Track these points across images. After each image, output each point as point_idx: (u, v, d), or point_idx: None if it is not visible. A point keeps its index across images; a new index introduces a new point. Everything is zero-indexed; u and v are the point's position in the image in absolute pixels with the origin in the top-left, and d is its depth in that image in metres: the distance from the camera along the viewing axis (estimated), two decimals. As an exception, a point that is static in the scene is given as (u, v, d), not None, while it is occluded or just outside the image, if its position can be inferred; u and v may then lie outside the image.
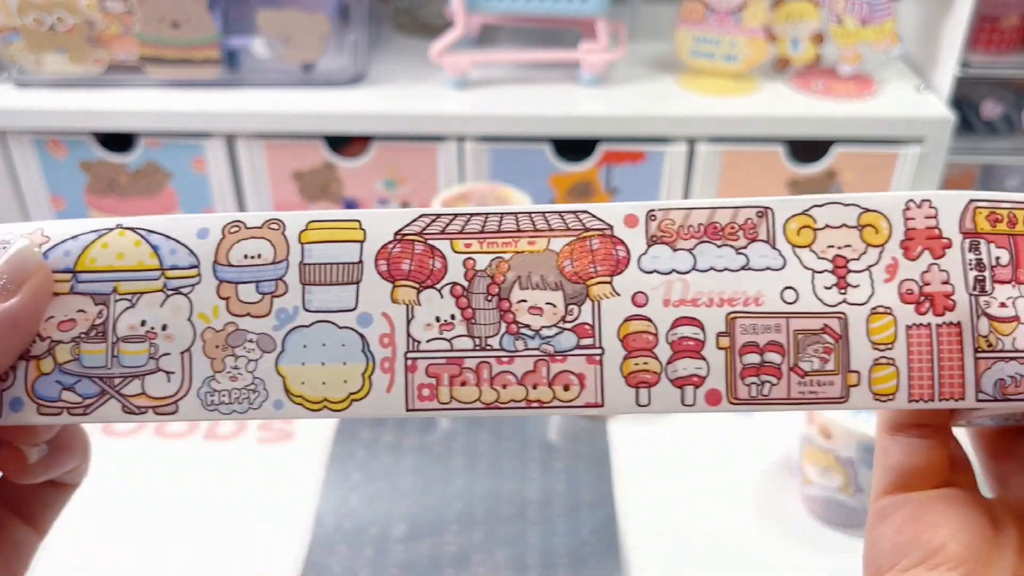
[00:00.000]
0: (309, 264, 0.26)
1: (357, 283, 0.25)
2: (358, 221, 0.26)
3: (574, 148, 0.85)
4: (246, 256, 0.26)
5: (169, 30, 0.84)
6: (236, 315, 0.26)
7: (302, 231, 0.26)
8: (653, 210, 0.26)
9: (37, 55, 0.85)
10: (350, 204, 0.88)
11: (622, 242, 0.26)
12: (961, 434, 0.30)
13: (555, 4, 0.85)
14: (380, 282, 0.25)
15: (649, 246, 0.26)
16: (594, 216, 0.26)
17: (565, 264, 0.26)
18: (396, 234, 0.26)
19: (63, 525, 0.30)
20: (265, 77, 0.87)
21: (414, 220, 0.26)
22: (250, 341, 0.25)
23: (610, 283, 0.26)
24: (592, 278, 0.26)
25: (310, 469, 0.60)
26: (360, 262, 0.26)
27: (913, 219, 0.26)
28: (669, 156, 0.84)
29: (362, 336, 0.25)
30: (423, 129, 0.84)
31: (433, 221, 0.26)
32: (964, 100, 0.88)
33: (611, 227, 0.26)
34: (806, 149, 0.85)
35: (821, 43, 0.87)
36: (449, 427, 0.63)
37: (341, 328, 0.25)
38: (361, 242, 0.26)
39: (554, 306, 0.25)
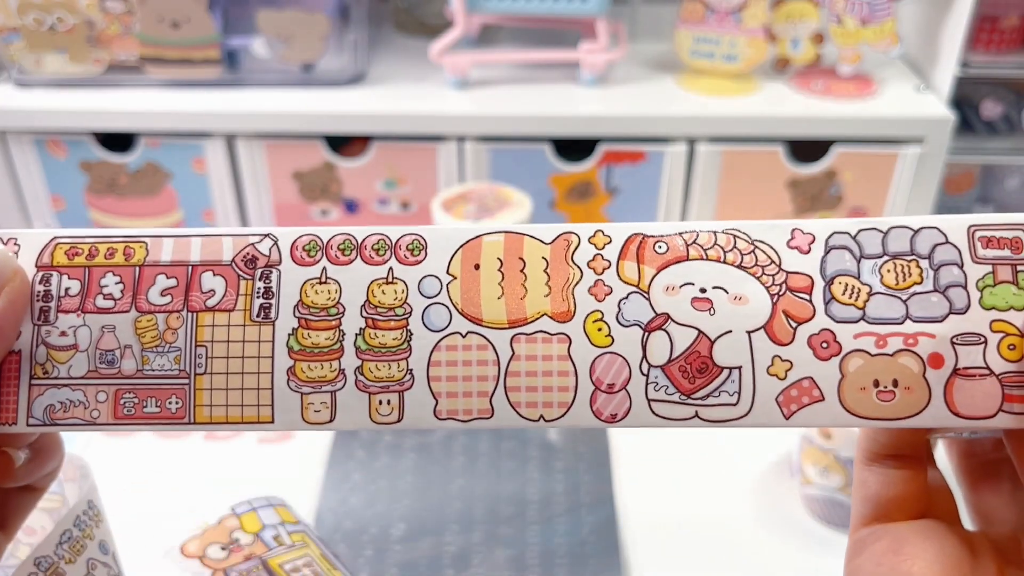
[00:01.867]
0: None
1: None
2: None
3: (574, 148, 0.85)
4: None
5: (169, 30, 0.84)
6: None
7: None
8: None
9: (37, 55, 0.85)
10: (350, 204, 0.88)
11: None
12: (944, 466, 0.30)
13: (555, 4, 0.85)
14: None
15: None
16: None
17: None
18: None
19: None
20: (265, 77, 0.87)
21: None
22: None
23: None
24: None
25: (310, 469, 0.60)
26: None
27: None
28: (669, 156, 0.84)
29: None
30: (423, 129, 0.84)
31: None
32: (964, 100, 0.88)
33: None
34: (806, 149, 0.85)
35: (821, 43, 0.87)
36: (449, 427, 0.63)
37: None
38: None
39: None
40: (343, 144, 0.86)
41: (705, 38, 0.87)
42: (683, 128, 0.83)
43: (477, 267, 0.26)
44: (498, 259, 0.26)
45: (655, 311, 0.26)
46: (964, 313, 0.25)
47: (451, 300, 0.26)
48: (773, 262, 0.26)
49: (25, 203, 0.89)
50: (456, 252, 0.26)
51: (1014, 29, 0.86)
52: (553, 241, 0.26)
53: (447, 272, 0.26)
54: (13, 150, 0.86)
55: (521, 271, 0.26)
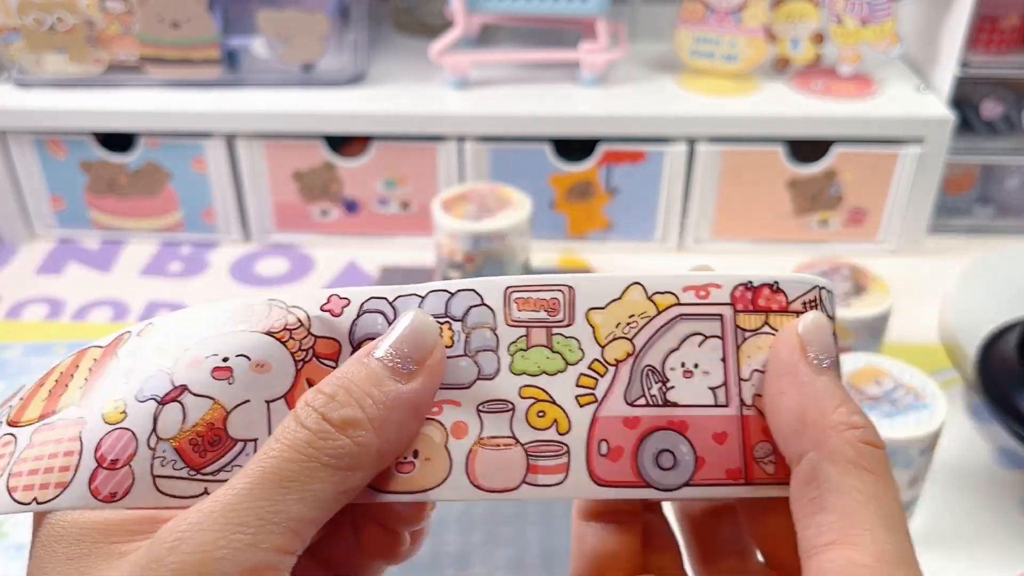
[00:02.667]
0: None
1: None
2: None
3: (574, 148, 0.85)
4: None
5: (169, 30, 0.84)
6: None
7: None
8: None
9: (37, 55, 0.85)
10: (350, 204, 0.88)
11: None
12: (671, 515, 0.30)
13: (555, 4, 0.85)
14: None
15: None
16: None
17: None
18: None
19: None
20: (265, 77, 0.87)
21: None
22: None
23: None
24: None
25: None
26: None
27: None
28: (669, 156, 0.84)
29: None
30: (423, 129, 0.84)
31: None
32: (964, 100, 0.88)
33: None
34: (806, 149, 0.85)
35: (821, 43, 0.87)
36: None
37: None
38: None
39: None
40: (343, 144, 0.86)
41: (705, 38, 0.87)
42: (683, 128, 0.83)
43: (41, 384, 0.26)
44: (60, 372, 0.26)
45: (174, 384, 0.24)
46: (493, 379, 0.25)
47: (6, 419, 0.26)
48: (303, 325, 0.25)
49: (25, 203, 0.89)
50: (37, 383, 0.27)
51: (1014, 29, 0.86)
52: (109, 343, 0.26)
53: (18, 398, 0.26)
54: (13, 150, 0.86)
55: (72, 375, 0.26)
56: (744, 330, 0.25)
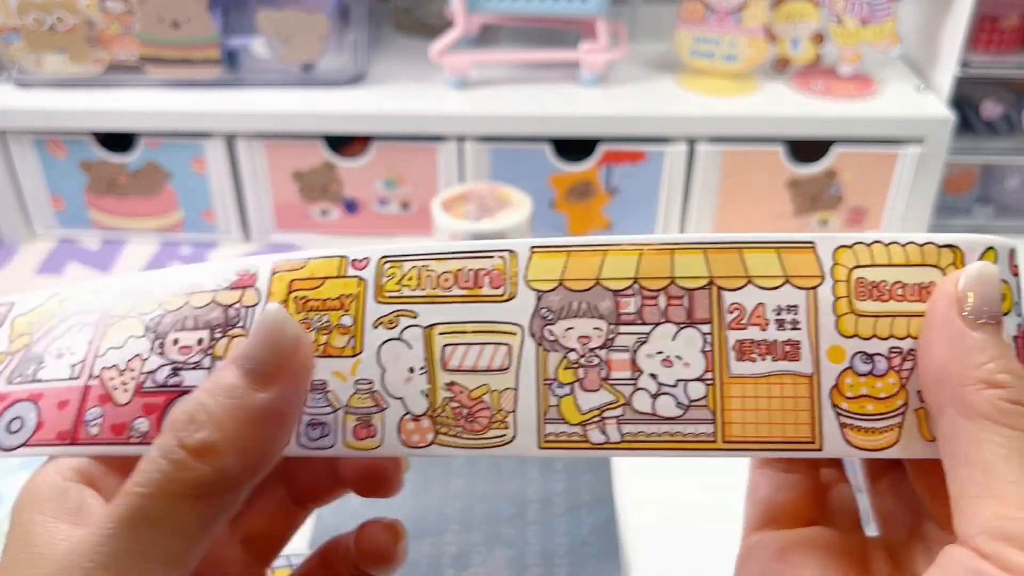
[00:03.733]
0: None
1: None
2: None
3: (574, 148, 0.85)
4: None
5: (169, 30, 0.84)
6: None
7: None
8: None
9: (37, 55, 0.85)
10: (350, 204, 0.88)
11: None
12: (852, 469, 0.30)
13: (555, 4, 0.85)
14: None
15: None
16: None
17: None
18: None
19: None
20: (265, 77, 0.87)
21: None
22: None
23: None
24: None
25: (310, 469, 0.60)
26: None
27: None
28: (669, 156, 0.84)
29: None
30: (423, 129, 0.84)
31: None
32: (964, 100, 0.88)
33: None
34: (806, 149, 0.85)
35: (821, 43, 0.87)
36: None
37: None
38: None
39: None
40: (343, 144, 0.86)
41: (705, 38, 0.87)
42: (683, 128, 0.83)
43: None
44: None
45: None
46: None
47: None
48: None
49: (25, 203, 0.89)
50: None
51: (1014, 29, 0.86)
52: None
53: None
54: (13, 150, 0.86)
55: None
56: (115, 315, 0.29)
